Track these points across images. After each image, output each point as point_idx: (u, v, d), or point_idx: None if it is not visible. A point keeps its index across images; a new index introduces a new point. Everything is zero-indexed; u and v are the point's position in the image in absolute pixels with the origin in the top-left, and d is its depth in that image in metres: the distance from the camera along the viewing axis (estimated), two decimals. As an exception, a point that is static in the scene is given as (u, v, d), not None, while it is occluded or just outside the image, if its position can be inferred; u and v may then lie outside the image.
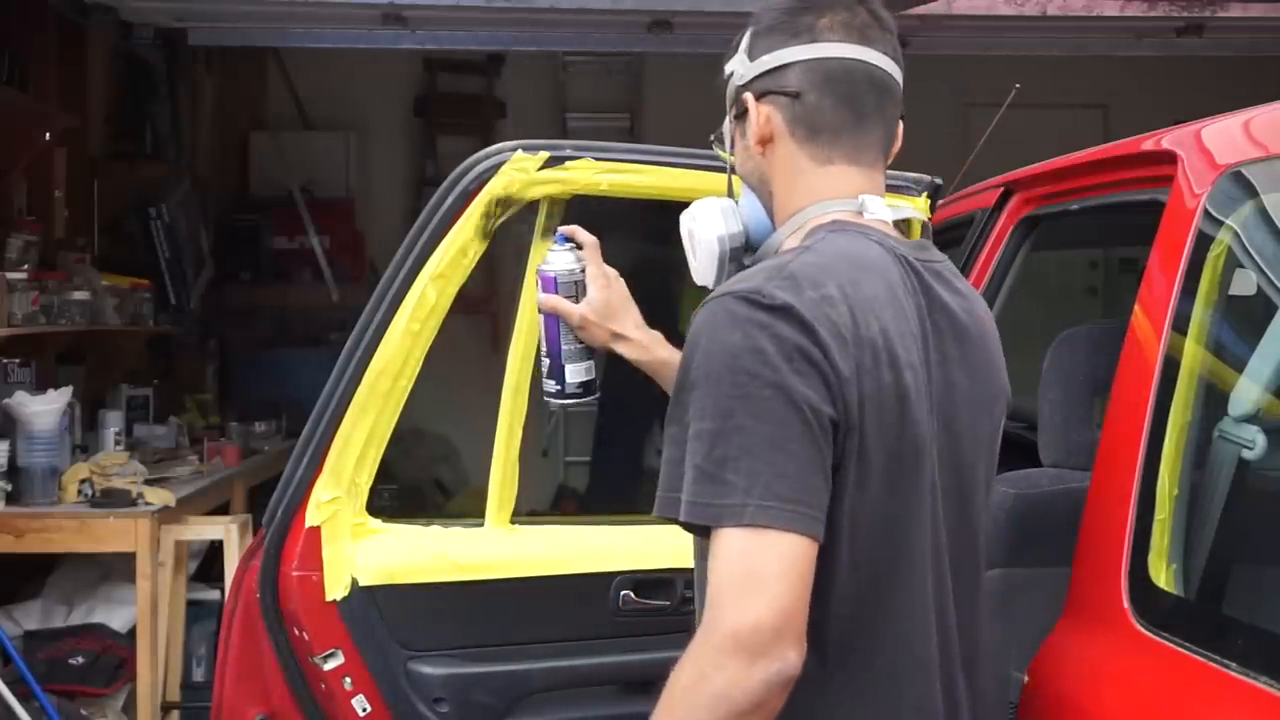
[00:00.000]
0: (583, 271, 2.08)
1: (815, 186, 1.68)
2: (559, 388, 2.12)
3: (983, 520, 1.69)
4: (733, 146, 1.79)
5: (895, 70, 1.69)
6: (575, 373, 2.11)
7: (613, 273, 2.12)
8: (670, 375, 1.83)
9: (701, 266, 1.84)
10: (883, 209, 1.68)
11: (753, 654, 1.38)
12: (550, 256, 2.11)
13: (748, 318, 1.48)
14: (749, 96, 1.70)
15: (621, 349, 2.07)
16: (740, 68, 1.73)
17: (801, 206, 1.69)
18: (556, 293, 2.08)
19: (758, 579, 1.40)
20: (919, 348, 1.58)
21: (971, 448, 1.66)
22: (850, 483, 1.50)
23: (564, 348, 2.09)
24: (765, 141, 1.70)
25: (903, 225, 1.81)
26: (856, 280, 1.55)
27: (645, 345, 2.07)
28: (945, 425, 1.61)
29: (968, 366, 1.66)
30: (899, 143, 1.75)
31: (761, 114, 1.69)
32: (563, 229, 2.14)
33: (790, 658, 1.39)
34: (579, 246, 2.11)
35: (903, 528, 1.55)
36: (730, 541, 1.42)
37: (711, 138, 1.86)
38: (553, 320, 2.09)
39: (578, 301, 2.07)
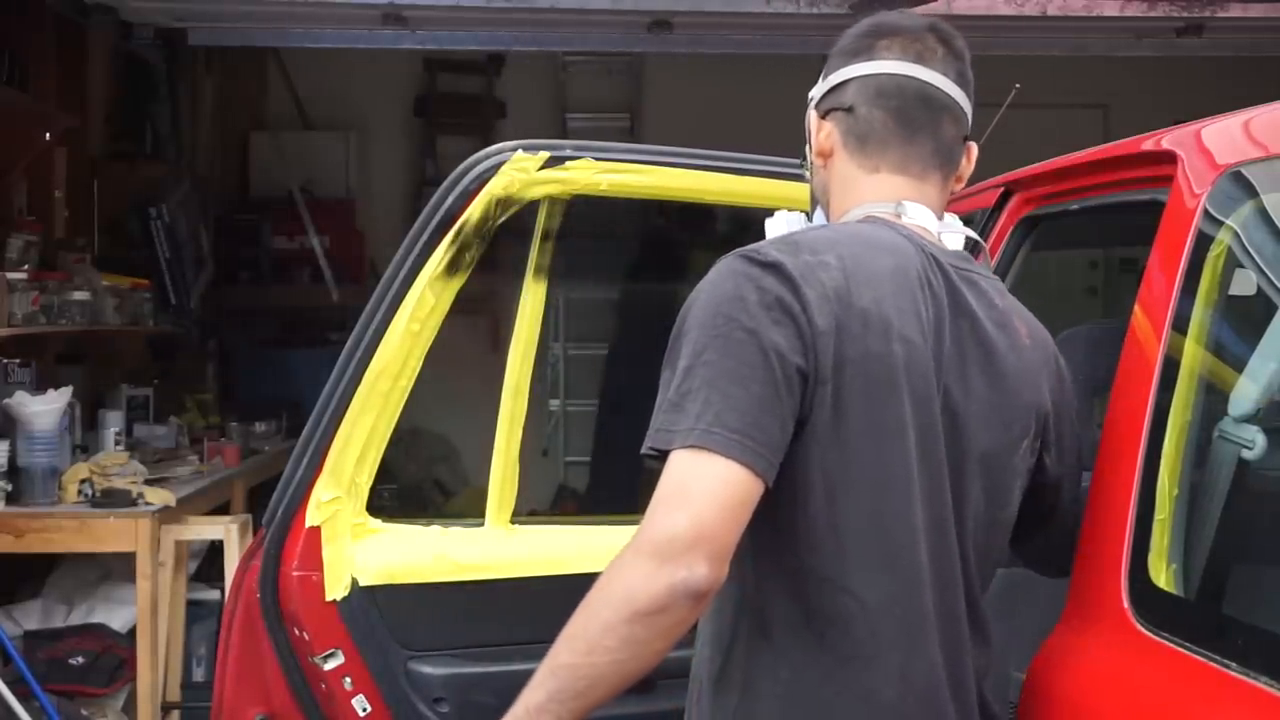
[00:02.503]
0: None
1: (862, 192, 1.76)
2: None
3: (969, 526, 1.68)
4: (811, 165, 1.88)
5: (955, 91, 1.76)
6: None
7: None
8: None
9: None
10: (925, 216, 1.74)
11: (662, 558, 1.44)
12: None
13: (741, 271, 1.57)
14: (813, 114, 1.80)
15: None
16: (815, 91, 1.82)
17: (848, 209, 1.76)
18: None
19: (686, 494, 1.47)
20: (924, 332, 1.61)
21: (973, 453, 1.67)
22: (823, 439, 1.55)
23: None
24: (825, 155, 1.80)
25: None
26: (861, 255, 1.61)
27: None
28: (954, 421, 1.63)
29: (991, 376, 1.68)
30: (970, 165, 1.82)
31: (823, 130, 1.79)
32: None
33: (699, 571, 1.44)
34: None
35: (890, 497, 1.58)
36: (674, 462, 1.49)
37: (800, 161, 1.95)
38: None
39: None
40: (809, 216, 1.90)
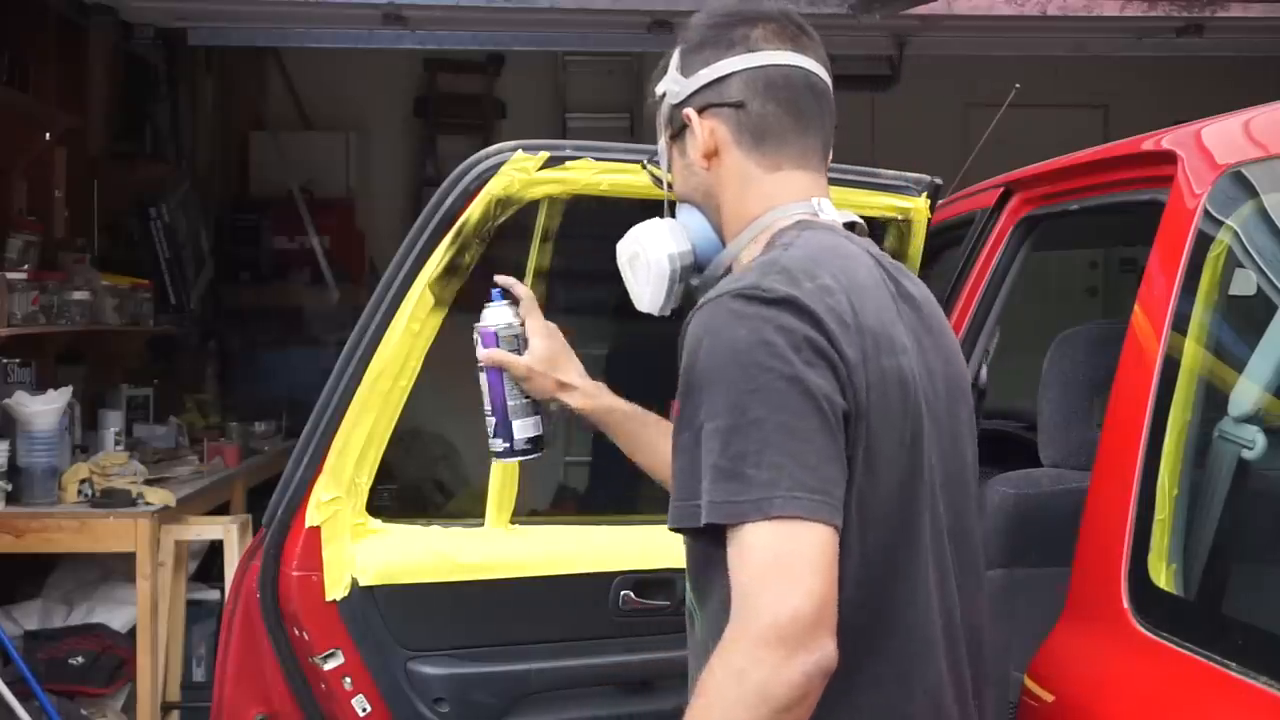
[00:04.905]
0: (522, 325, 2.04)
1: (768, 192, 1.68)
2: (507, 445, 2.07)
3: (974, 506, 1.68)
4: (669, 166, 1.78)
5: (828, 77, 1.71)
6: (523, 428, 2.07)
7: (552, 325, 2.09)
8: (616, 422, 1.99)
9: (649, 290, 1.83)
10: (833, 211, 1.69)
11: (792, 646, 1.34)
12: (486, 312, 2.07)
13: (752, 313, 1.47)
14: (690, 112, 1.70)
15: (568, 398, 2.05)
16: (674, 86, 1.72)
17: (756, 214, 1.68)
18: (498, 347, 2.05)
19: (792, 570, 1.37)
20: (907, 335, 1.59)
21: (952, 432, 1.65)
22: (859, 471, 1.49)
23: (510, 403, 2.05)
24: (711, 155, 1.70)
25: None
26: (846, 269, 1.56)
27: (591, 393, 2.05)
28: (933, 412, 1.61)
29: (939, 352, 1.66)
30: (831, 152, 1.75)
31: (705, 127, 1.69)
32: (499, 279, 2.09)
33: (829, 647, 1.37)
34: (515, 301, 2.08)
35: (910, 515, 1.55)
36: (758, 535, 1.39)
37: (644, 161, 1.86)
38: (496, 376, 2.05)
39: (520, 355, 2.04)
40: (673, 216, 1.81)
